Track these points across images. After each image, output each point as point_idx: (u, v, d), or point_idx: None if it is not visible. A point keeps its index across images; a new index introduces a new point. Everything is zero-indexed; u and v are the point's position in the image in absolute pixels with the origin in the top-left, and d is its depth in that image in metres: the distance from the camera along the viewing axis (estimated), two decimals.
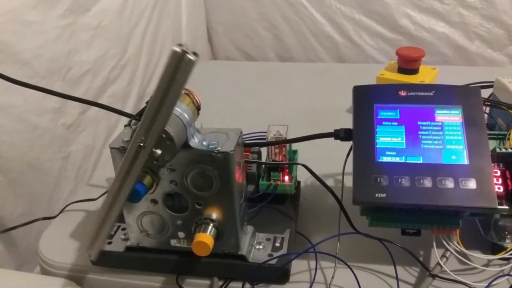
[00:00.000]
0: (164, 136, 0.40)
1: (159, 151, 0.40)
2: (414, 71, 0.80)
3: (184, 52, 0.36)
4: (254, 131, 0.60)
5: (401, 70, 0.80)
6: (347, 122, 0.52)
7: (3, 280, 0.50)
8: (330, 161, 0.57)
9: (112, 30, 0.96)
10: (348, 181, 0.50)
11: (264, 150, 0.58)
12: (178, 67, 0.36)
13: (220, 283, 0.49)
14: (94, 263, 0.52)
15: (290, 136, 0.54)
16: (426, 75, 0.80)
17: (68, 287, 0.52)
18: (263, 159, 0.57)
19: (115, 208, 0.42)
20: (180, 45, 0.36)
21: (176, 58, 0.36)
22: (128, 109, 1.02)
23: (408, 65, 0.79)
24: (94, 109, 0.91)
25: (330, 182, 0.62)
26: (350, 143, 0.50)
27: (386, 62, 0.89)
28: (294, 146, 0.58)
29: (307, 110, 0.86)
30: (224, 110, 0.88)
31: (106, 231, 0.43)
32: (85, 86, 0.90)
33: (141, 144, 0.40)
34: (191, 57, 0.36)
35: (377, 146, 0.47)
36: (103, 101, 0.94)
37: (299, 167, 0.56)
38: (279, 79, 1.05)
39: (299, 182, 0.61)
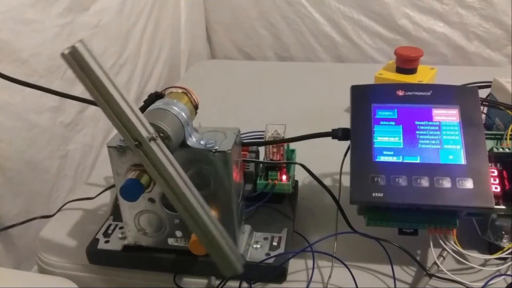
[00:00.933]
0: (161, 134, 0.40)
1: (154, 133, 0.38)
2: (412, 71, 0.80)
3: (71, 47, 0.34)
4: (252, 131, 0.60)
5: (400, 70, 0.80)
6: (345, 122, 0.52)
7: (1, 279, 0.50)
8: (327, 160, 0.57)
9: (111, 29, 0.96)
10: (346, 181, 0.50)
11: (262, 149, 0.58)
12: (77, 61, 0.34)
13: (218, 282, 0.49)
14: (91, 261, 0.52)
15: (288, 135, 0.54)
16: (424, 75, 0.80)
17: (66, 286, 0.52)
18: (261, 158, 0.57)
19: (198, 211, 0.39)
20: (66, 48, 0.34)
21: (70, 58, 0.34)
22: None
23: (406, 64, 0.79)
24: (93, 107, 0.91)
25: (327, 182, 0.62)
26: (348, 142, 0.50)
27: (385, 62, 0.89)
28: (292, 145, 0.58)
29: (305, 109, 0.86)
30: (223, 109, 0.88)
31: (222, 239, 0.40)
32: None
33: (136, 143, 0.39)
34: (75, 45, 0.33)
35: (374, 146, 0.47)
36: None
37: (297, 167, 0.56)
38: (278, 79, 1.05)
39: (296, 182, 0.61)
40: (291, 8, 1.28)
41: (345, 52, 1.28)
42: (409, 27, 1.21)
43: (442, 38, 1.20)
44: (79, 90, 0.87)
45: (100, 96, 0.36)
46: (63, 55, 0.33)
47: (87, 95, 0.93)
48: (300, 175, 0.60)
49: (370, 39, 1.25)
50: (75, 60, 0.34)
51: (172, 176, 0.39)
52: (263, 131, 0.56)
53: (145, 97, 1.11)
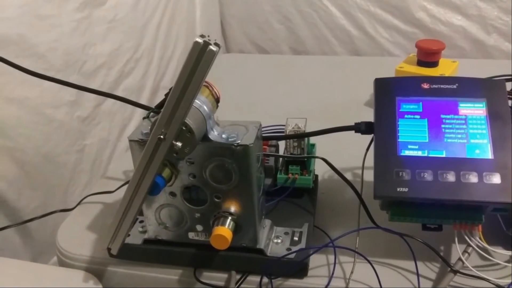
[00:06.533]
0: (184, 128, 0.40)
1: (179, 144, 0.40)
2: (434, 64, 0.78)
3: (206, 43, 0.36)
4: (269, 125, 0.60)
5: (421, 63, 0.79)
6: (364, 115, 0.52)
7: (24, 272, 0.50)
8: (347, 154, 0.57)
9: (127, 23, 0.96)
10: (367, 175, 0.49)
11: (281, 143, 0.57)
12: (200, 58, 0.36)
13: (238, 276, 0.49)
14: (112, 255, 0.52)
15: (307, 129, 0.54)
16: (446, 68, 0.78)
17: (88, 280, 0.52)
18: (280, 152, 0.57)
19: (136, 201, 0.42)
20: (202, 36, 0.36)
21: (197, 49, 0.36)
22: (143, 103, 1.02)
23: (428, 58, 0.78)
24: (109, 102, 0.92)
25: (348, 176, 0.61)
26: (368, 136, 0.49)
27: (402, 55, 0.88)
28: (312, 139, 0.58)
29: (322, 103, 0.86)
30: (238, 104, 0.87)
31: (127, 224, 0.43)
32: (100, 79, 0.90)
33: (161, 137, 0.39)
34: (212, 48, 0.36)
35: (399, 140, 0.46)
36: (117, 94, 0.94)
37: (317, 161, 0.55)
38: (293, 72, 1.04)
39: (316, 176, 0.60)
40: (306, 1, 1.27)
41: (361, 46, 1.27)
42: (426, 20, 1.19)
43: (460, 31, 1.19)
44: (96, 84, 0.88)
45: (183, 85, 0.38)
46: (197, 42, 0.36)
47: (103, 89, 0.93)
48: (319, 170, 0.59)
49: (387, 33, 1.24)
50: (200, 54, 0.36)
51: (149, 175, 0.41)
52: (282, 125, 0.55)
53: (161, 91, 1.12)
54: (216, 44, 0.36)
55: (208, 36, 0.37)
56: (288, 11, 1.30)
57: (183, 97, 0.38)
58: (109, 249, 0.51)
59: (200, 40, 0.36)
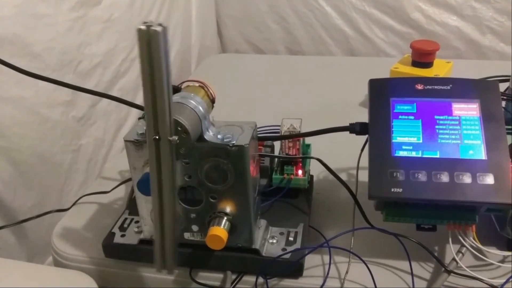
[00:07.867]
0: (179, 129, 0.40)
1: (175, 137, 0.39)
2: (428, 65, 0.78)
3: (149, 27, 0.35)
4: (265, 125, 0.60)
5: (415, 64, 0.79)
6: (359, 116, 0.52)
7: (18, 273, 0.50)
8: (342, 155, 0.57)
9: (123, 23, 0.96)
10: (362, 176, 0.49)
11: (276, 144, 0.57)
12: (150, 44, 0.35)
13: (234, 277, 0.49)
14: (107, 255, 0.52)
15: (302, 129, 0.54)
16: (441, 68, 0.79)
17: (83, 280, 0.52)
18: (276, 152, 0.57)
19: (168, 209, 0.41)
20: (145, 22, 0.35)
21: (144, 36, 0.35)
22: (138, 103, 1.01)
23: (422, 58, 0.78)
24: (105, 102, 0.91)
25: (343, 176, 0.61)
26: (363, 137, 0.50)
27: (397, 56, 0.88)
28: (307, 140, 0.58)
29: (318, 103, 0.86)
30: (234, 104, 0.87)
31: (170, 237, 0.42)
32: (95, 79, 0.90)
33: (156, 137, 0.39)
34: (156, 28, 0.35)
35: (393, 141, 0.46)
36: (113, 94, 0.94)
37: (312, 161, 0.56)
38: (289, 73, 1.04)
39: (312, 176, 0.60)
40: (302, 1, 1.27)
41: (357, 46, 1.27)
42: (421, 20, 1.19)
43: (455, 32, 1.19)
44: (91, 84, 0.88)
45: (149, 77, 0.37)
46: (140, 30, 0.35)
47: (98, 89, 0.93)
48: (314, 170, 0.60)
49: (382, 33, 1.24)
50: (149, 39, 0.35)
51: (166, 178, 0.40)
52: (278, 126, 0.55)
53: None
54: (159, 25, 0.35)
55: (151, 21, 0.35)
56: (284, 11, 1.30)
57: (154, 89, 0.37)
58: (104, 247, 0.51)
59: (142, 27, 0.35)
